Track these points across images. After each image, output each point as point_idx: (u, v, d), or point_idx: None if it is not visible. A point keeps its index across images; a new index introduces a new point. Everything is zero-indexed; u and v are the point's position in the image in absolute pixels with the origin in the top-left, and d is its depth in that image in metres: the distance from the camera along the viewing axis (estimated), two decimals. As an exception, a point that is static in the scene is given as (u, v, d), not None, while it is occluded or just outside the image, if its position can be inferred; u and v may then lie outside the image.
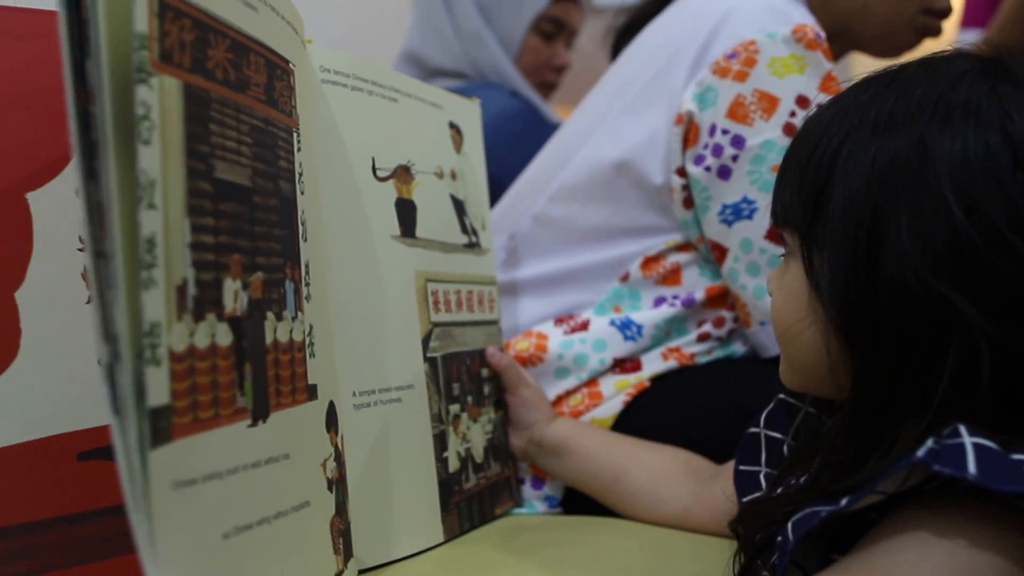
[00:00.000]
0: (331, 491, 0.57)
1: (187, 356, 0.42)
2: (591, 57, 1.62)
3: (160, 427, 0.39)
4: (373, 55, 0.72)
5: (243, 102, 0.51)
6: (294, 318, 0.55)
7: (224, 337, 0.46)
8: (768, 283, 0.53)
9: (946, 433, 0.39)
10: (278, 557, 0.48)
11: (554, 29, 1.44)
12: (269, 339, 0.51)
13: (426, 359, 0.69)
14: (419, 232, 0.71)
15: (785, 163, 0.50)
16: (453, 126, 0.78)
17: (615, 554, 0.64)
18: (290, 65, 0.60)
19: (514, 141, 1.22)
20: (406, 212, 0.70)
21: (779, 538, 0.44)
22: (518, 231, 0.87)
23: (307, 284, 0.58)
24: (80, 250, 0.57)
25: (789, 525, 0.43)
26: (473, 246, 0.78)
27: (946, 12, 0.87)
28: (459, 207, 0.77)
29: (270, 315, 0.51)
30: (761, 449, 0.58)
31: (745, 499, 0.57)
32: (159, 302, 0.40)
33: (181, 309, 0.42)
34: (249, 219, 0.50)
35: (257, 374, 0.49)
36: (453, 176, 0.77)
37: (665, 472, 0.70)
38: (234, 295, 0.47)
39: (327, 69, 0.67)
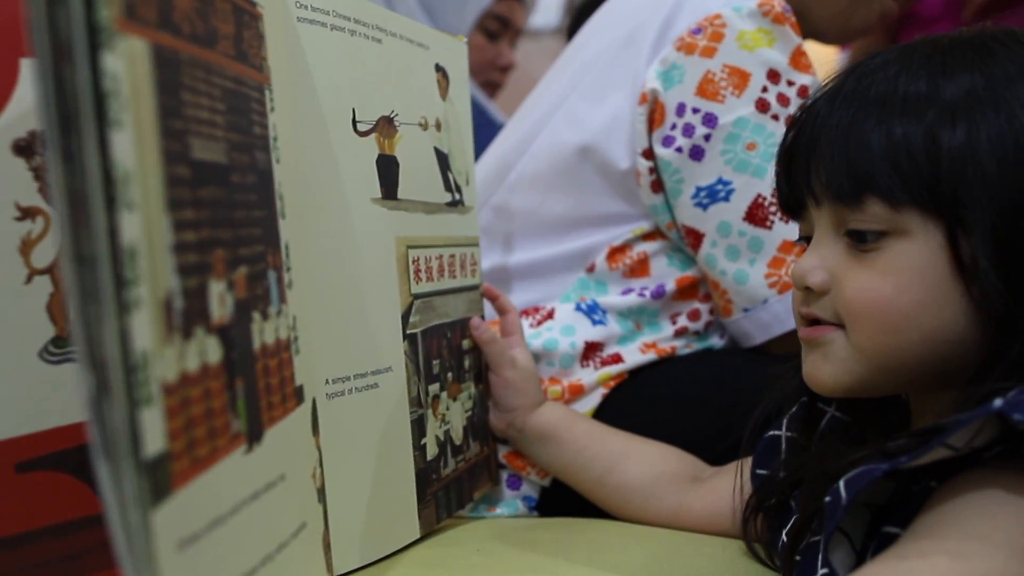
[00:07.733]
0: (320, 502, 0.51)
1: (179, 386, 0.35)
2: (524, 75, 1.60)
3: (160, 478, 0.33)
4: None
5: (213, 61, 0.43)
6: (278, 313, 0.47)
7: (214, 353, 0.38)
8: (809, 274, 0.46)
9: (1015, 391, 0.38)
10: (281, 595, 0.42)
11: (498, 28, 1.45)
12: (256, 345, 0.44)
13: (405, 337, 0.63)
14: (401, 193, 0.63)
15: (870, 143, 0.44)
16: (440, 69, 0.70)
17: (613, 552, 0.60)
18: (257, 8, 0.51)
19: None
20: (388, 170, 0.63)
21: (827, 498, 0.42)
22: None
23: (288, 269, 0.50)
24: (17, 219, 0.47)
25: (841, 483, 0.41)
26: (456, 204, 0.71)
27: None
28: (443, 161, 0.69)
29: (256, 316, 0.44)
30: (781, 453, 0.55)
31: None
32: (147, 326, 0.33)
33: (169, 329, 0.35)
34: (229, 203, 0.42)
35: (249, 389, 0.42)
36: (438, 126, 0.69)
37: (663, 468, 0.66)
38: (220, 299, 0.40)
39: (303, 5, 0.57)
